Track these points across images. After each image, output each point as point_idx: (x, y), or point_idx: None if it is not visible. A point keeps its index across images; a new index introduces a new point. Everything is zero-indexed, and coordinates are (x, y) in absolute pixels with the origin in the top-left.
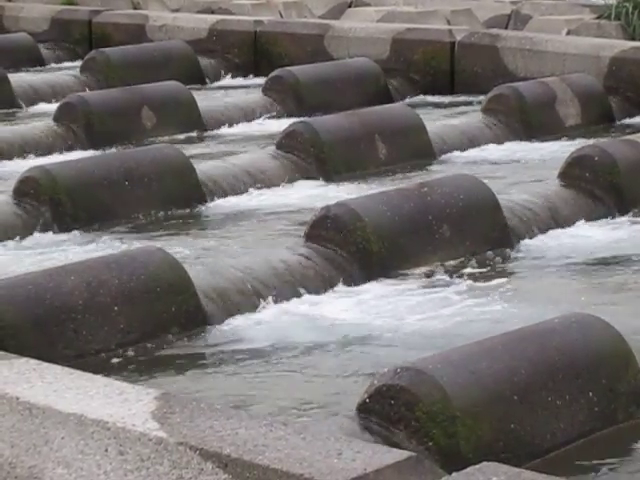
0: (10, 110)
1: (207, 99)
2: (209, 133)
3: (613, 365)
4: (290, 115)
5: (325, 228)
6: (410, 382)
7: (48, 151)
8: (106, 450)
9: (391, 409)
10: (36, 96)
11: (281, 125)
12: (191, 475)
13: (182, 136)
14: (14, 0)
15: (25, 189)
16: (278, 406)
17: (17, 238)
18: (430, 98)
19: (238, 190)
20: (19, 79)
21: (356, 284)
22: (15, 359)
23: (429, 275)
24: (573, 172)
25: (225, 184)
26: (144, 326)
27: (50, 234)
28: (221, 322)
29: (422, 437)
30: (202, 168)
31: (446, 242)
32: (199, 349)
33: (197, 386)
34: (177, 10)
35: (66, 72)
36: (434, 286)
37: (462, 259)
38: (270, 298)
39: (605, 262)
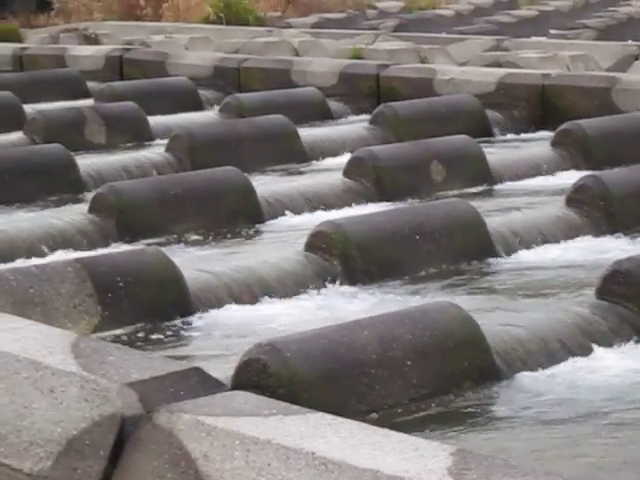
0: (300, 164)
1: (495, 153)
2: (498, 187)
3: None
4: (578, 169)
5: (617, 283)
6: None
7: (339, 205)
8: None
9: None
10: (325, 150)
11: (570, 179)
12: None
13: (471, 190)
14: (302, 54)
15: (317, 243)
16: (574, 464)
17: (309, 292)
18: None
19: (528, 245)
20: (308, 133)
21: None
22: (310, 414)
23: None
24: None
25: (514, 239)
26: (437, 381)
27: (341, 288)
28: (514, 377)
29: None
30: (492, 222)
31: None
32: (492, 404)
33: (491, 442)
34: (464, 64)
35: (354, 126)
36: None
37: None
38: (562, 354)
39: None
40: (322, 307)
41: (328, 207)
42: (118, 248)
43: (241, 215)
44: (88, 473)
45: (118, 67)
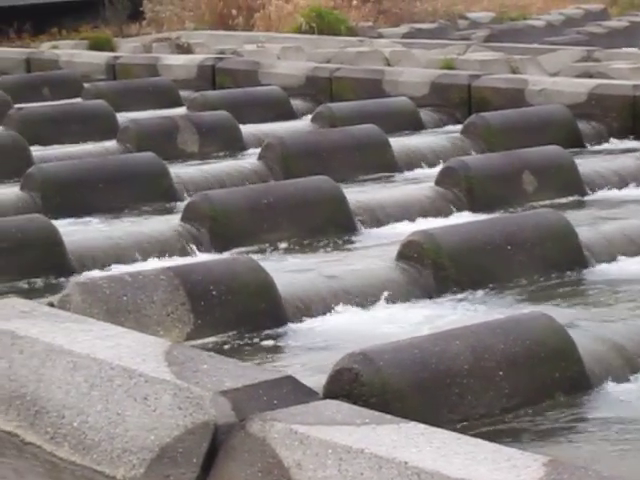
0: (391, 174)
1: (587, 163)
2: (589, 197)
3: None
4: None
5: None
6: None
7: (430, 215)
8: None
9: None
10: (416, 160)
11: None
12: None
13: (563, 200)
14: (394, 64)
15: (409, 253)
16: None
17: (401, 301)
18: None
19: (619, 255)
20: (399, 143)
21: None
22: (403, 423)
23: None
24: None
25: (605, 249)
26: (528, 391)
27: (433, 298)
28: (605, 388)
29: None
30: (583, 233)
31: None
32: (583, 415)
33: (583, 452)
34: (555, 74)
35: (446, 136)
36: None
37: None
38: None
39: None
40: (414, 317)
41: (420, 217)
42: (211, 257)
43: (333, 224)
44: None
45: (210, 76)
